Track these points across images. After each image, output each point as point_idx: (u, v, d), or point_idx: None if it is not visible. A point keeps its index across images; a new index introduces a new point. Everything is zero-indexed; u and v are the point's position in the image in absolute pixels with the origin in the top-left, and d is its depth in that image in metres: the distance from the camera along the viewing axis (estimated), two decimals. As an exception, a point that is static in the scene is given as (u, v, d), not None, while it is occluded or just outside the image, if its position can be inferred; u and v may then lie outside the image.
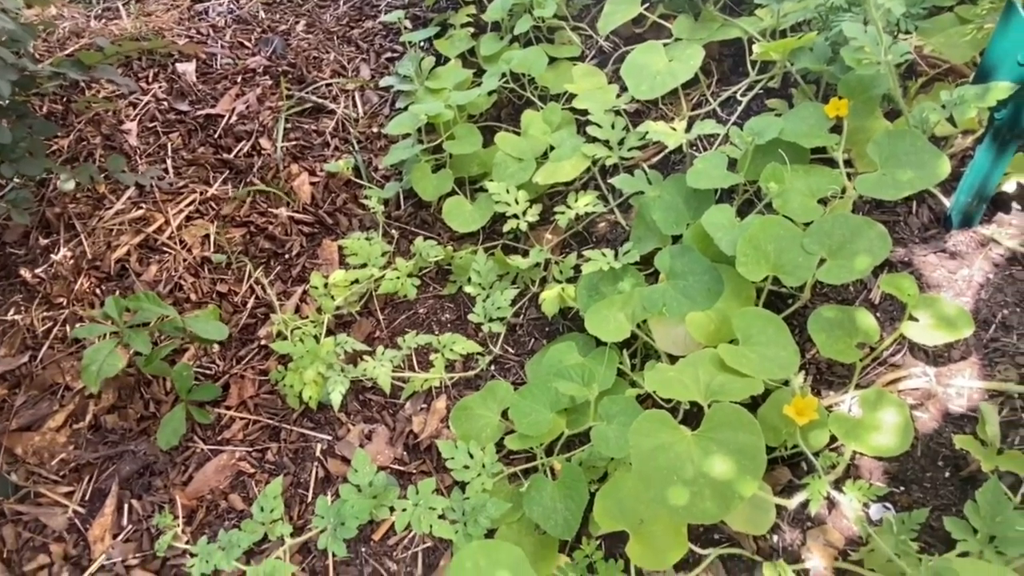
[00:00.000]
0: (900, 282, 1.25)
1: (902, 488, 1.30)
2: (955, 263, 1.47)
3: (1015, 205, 1.53)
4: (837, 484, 1.29)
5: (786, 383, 1.34)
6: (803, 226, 1.40)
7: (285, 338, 1.69)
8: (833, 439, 1.33)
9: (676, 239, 1.59)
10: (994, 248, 1.47)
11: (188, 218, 2.10)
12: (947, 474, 1.29)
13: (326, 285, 1.71)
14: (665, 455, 1.13)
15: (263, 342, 1.83)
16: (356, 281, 1.75)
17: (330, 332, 1.79)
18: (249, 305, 1.92)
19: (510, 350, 1.76)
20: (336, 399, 1.53)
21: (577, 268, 1.78)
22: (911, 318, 1.26)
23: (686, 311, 1.44)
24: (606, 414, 1.34)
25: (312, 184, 2.18)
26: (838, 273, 1.30)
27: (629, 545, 1.28)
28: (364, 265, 1.76)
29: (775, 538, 1.35)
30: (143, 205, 2.12)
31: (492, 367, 1.73)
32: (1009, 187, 1.45)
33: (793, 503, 1.25)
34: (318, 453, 1.64)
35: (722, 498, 1.10)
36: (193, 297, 1.93)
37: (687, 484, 1.11)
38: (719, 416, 1.13)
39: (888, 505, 1.29)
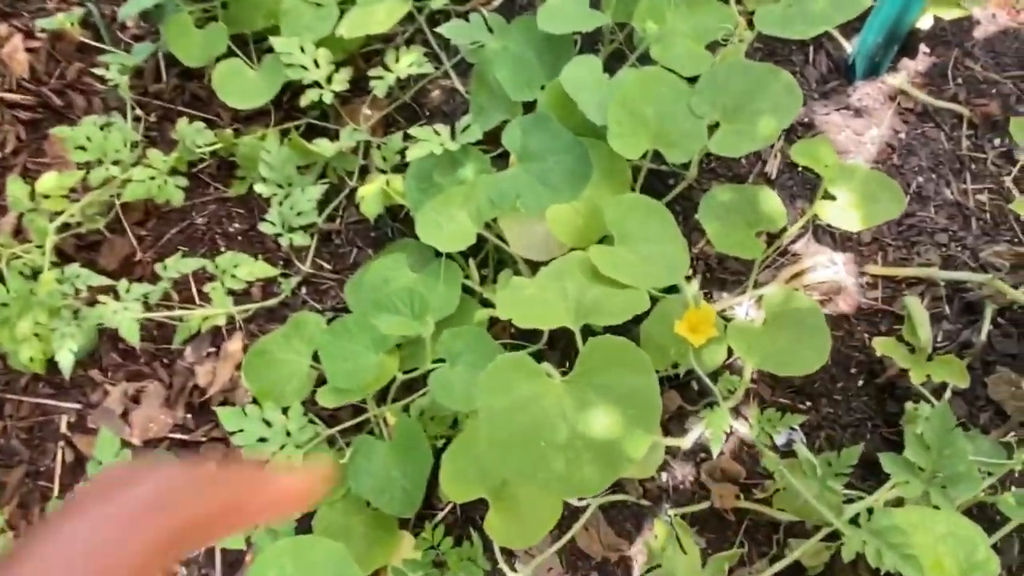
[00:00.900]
0: (816, 149, 0.96)
1: (809, 403, 1.08)
2: (862, 122, 1.21)
3: (923, 48, 1.27)
4: (737, 409, 1.04)
5: (674, 289, 1.05)
6: (688, 82, 1.07)
7: (-8, 274, 1.17)
8: (730, 352, 1.07)
9: (529, 107, 1.21)
10: (903, 101, 1.21)
11: None
12: (860, 383, 1.07)
13: (33, 195, 1.18)
14: (527, 414, 0.80)
15: (-34, 282, 1.29)
16: (86, 183, 1.23)
17: (69, 260, 1.28)
18: (-57, 229, 1.34)
19: (325, 266, 1.35)
20: (66, 360, 1.07)
21: (404, 153, 1.36)
22: (827, 195, 0.98)
23: (546, 203, 1.08)
24: (449, 352, 0.99)
25: (31, 51, 1.55)
26: (737, 142, 0.99)
27: (488, 519, 0.98)
28: (99, 162, 1.24)
29: (664, 476, 1.11)
30: None
31: (303, 290, 1.32)
32: (924, 23, 1.18)
33: (687, 441, 0.99)
34: (63, 429, 1.20)
35: (607, 462, 0.81)
36: None
37: (560, 449, 0.80)
38: (597, 354, 0.82)
39: (795, 427, 1.07)
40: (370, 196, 1.27)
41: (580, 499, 1.07)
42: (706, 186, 1.11)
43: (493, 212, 1.11)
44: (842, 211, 0.96)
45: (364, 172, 1.40)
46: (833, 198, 0.98)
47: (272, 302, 1.28)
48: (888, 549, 0.75)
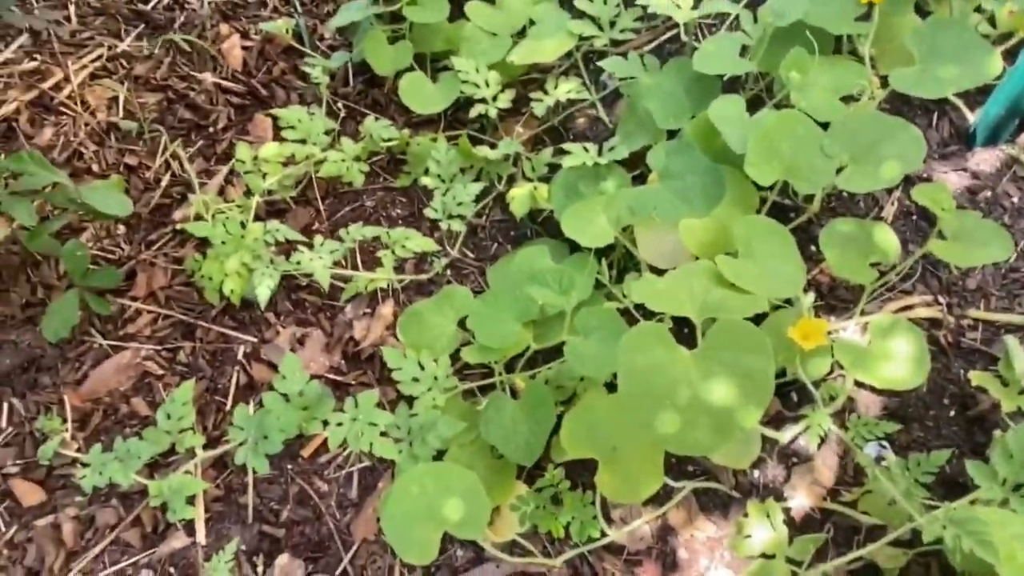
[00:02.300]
0: (936, 192, 1.08)
1: (901, 427, 1.17)
2: (977, 183, 1.32)
3: (1044, 125, 1.37)
4: (834, 419, 1.15)
5: (788, 303, 1.18)
6: (822, 127, 1.21)
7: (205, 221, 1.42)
8: (831, 371, 1.19)
9: (671, 136, 1.39)
10: (1019, 170, 1.32)
11: (93, 76, 1.76)
12: (952, 413, 1.16)
13: (255, 159, 1.44)
14: (659, 375, 0.95)
15: (179, 226, 1.55)
16: (292, 157, 1.48)
17: (259, 219, 1.53)
18: (163, 183, 1.63)
19: (469, 254, 1.54)
20: (263, 295, 1.29)
21: (552, 166, 1.56)
22: (940, 236, 1.10)
23: (679, 216, 1.24)
24: (583, 328, 1.15)
25: (244, 49, 1.86)
26: (861, 180, 1.13)
27: (598, 474, 1.12)
28: (303, 142, 1.49)
29: (756, 474, 1.22)
30: (38, 56, 1.77)
31: (448, 272, 1.52)
32: (1047, 101, 1.29)
33: (785, 436, 1.10)
34: (240, 357, 1.42)
35: (719, 428, 0.94)
36: (95, 168, 1.63)
37: (680, 410, 0.95)
38: (724, 334, 0.96)
39: (885, 444, 1.16)
40: (519, 197, 1.47)
41: (677, 481, 1.20)
42: (825, 223, 1.24)
43: (631, 219, 1.28)
44: (953, 248, 1.08)
45: (511, 180, 1.61)
46: (946, 238, 1.09)
47: (423, 277, 1.48)
48: (966, 535, 0.84)
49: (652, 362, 0.95)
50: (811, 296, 1.12)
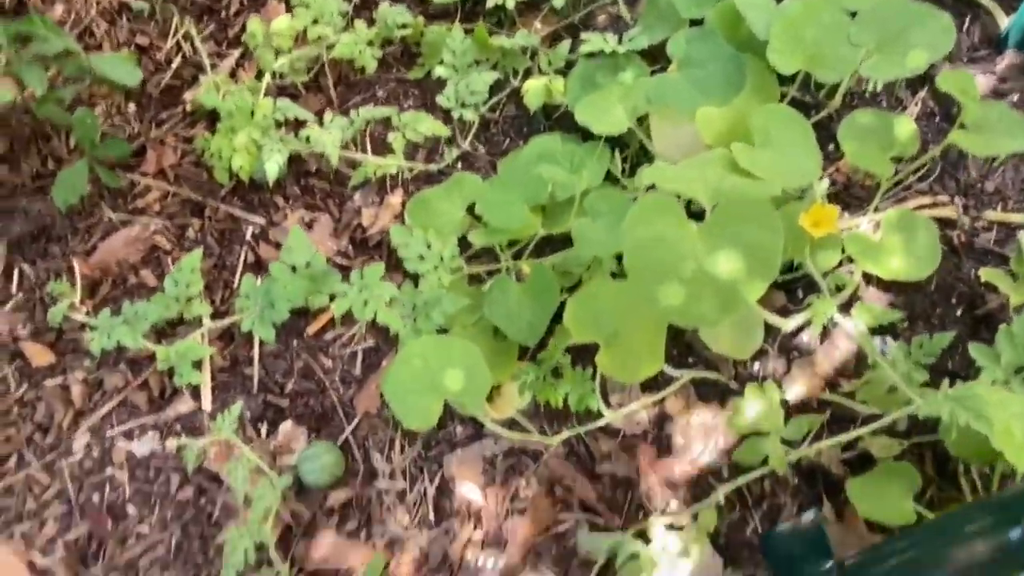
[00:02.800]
0: (962, 80, 1.05)
1: (906, 323, 1.17)
2: (1005, 87, 1.28)
3: (1080, 31, 1.32)
4: (840, 310, 1.15)
5: (801, 197, 1.16)
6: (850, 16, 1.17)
7: (216, 101, 1.40)
8: (838, 265, 1.18)
9: (694, 26, 1.34)
10: (1049, 76, 1.27)
11: (104, -47, 1.72)
12: (959, 312, 1.16)
13: (267, 35, 1.41)
14: (664, 247, 0.95)
15: (189, 107, 1.54)
16: (304, 34, 1.45)
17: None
18: (174, 64, 1.60)
19: (480, 148, 1.52)
20: (272, 170, 1.29)
21: (569, 63, 1.52)
22: (962, 126, 1.08)
23: (697, 106, 1.22)
24: (592, 211, 1.14)
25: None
26: (887, 67, 1.10)
27: (599, 355, 1.13)
28: (315, 22, 1.46)
29: (756, 366, 1.23)
30: (47, -69, 1.72)
31: (459, 165, 1.50)
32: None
33: (789, 324, 1.11)
34: (248, 237, 1.42)
35: (723, 301, 0.94)
36: (106, 46, 1.61)
37: (685, 283, 0.94)
38: (732, 209, 0.95)
39: (888, 340, 1.16)
40: (534, 89, 1.44)
41: (676, 369, 1.21)
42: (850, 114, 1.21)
43: (647, 108, 1.25)
44: (976, 139, 1.05)
45: (527, 75, 1.57)
46: (965, 128, 1.07)
47: (433, 167, 1.47)
48: (963, 410, 0.85)
49: (658, 234, 0.94)
50: (825, 183, 1.10)
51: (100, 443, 1.24)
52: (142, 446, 1.22)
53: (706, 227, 0.95)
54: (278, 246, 1.41)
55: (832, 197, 1.25)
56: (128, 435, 1.24)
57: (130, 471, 1.22)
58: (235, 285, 1.37)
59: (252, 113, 1.32)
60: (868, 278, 1.18)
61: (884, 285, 1.18)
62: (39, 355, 1.29)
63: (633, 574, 1.05)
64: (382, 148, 1.50)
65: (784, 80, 1.25)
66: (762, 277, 0.93)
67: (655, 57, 1.40)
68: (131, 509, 1.19)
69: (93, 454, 1.23)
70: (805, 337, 1.22)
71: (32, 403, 1.27)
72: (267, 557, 1.09)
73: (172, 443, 1.21)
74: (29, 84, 1.29)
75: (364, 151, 1.49)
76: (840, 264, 1.16)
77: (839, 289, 1.11)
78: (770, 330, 1.21)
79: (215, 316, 1.31)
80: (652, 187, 1.29)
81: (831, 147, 1.29)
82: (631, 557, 1.05)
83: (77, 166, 1.34)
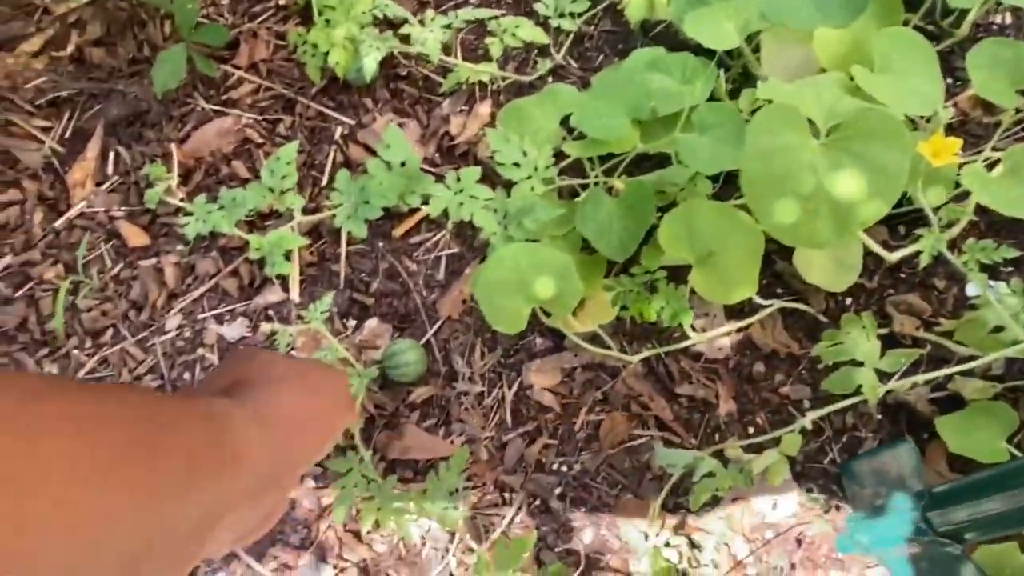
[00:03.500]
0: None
1: (1011, 268, 1.13)
2: None
3: None
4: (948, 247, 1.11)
5: (915, 127, 1.11)
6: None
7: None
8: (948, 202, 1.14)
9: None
10: None
11: None
12: (1073, 259, 1.11)
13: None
14: (784, 160, 0.92)
15: (282, 1, 1.52)
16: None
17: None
18: (268, -42, 1.58)
19: (573, 63, 1.48)
20: (370, 66, 1.28)
21: (672, -25, 1.46)
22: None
23: (814, 26, 1.16)
24: (701, 123, 1.11)
25: None
26: (1031, -7, 1.03)
27: (692, 274, 1.12)
28: (417, -81, 1.42)
29: (848, 300, 1.20)
30: None
31: (550, 78, 1.47)
32: None
33: (893, 256, 1.08)
34: (337, 137, 1.42)
35: (839, 221, 0.92)
36: (201, -65, 1.59)
37: (801, 199, 0.92)
38: (863, 123, 0.91)
39: (995, 283, 1.13)
40: (636, 3, 1.39)
41: (765, 298, 1.19)
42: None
43: (760, 25, 1.20)
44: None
45: (626, -11, 1.52)
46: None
47: (524, 78, 1.44)
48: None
49: (779, 145, 0.92)
50: (949, 112, 1.06)
51: (192, 325, 1.27)
52: (232, 330, 1.26)
53: (831, 142, 0.92)
54: (367, 148, 1.41)
55: (948, 131, 1.20)
56: (219, 319, 1.27)
57: (220, 353, 1.26)
58: (323, 183, 1.38)
59: (351, 7, 1.30)
60: (979, 216, 1.14)
61: (996, 225, 1.13)
62: (135, 236, 1.32)
63: (708, 491, 1.07)
64: (474, 55, 1.48)
65: (908, 5, 1.18)
66: (884, 199, 0.90)
67: (766, -24, 1.34)
68: (220, 389, 1.23)
69: (185, 334, 1.27)
70: (902, 274, 1.19)
71: (127, 281, 1.31)
72: (352, 444, 1.12)
73: (264, 328, 1.24)
74: (131, -36, 1.29)
75: (456, 55, 1.46)
76: (949, 201, 1.12)
77: (950, 224, 1.07)
78: (865, 266, 1.18)
79: (306, 210, 1.32)
80: (758, 108, 1.25)
81: (949, 80, 1.23)
82: (708, 475, 1.06)
83: (176, 51, 1.34)
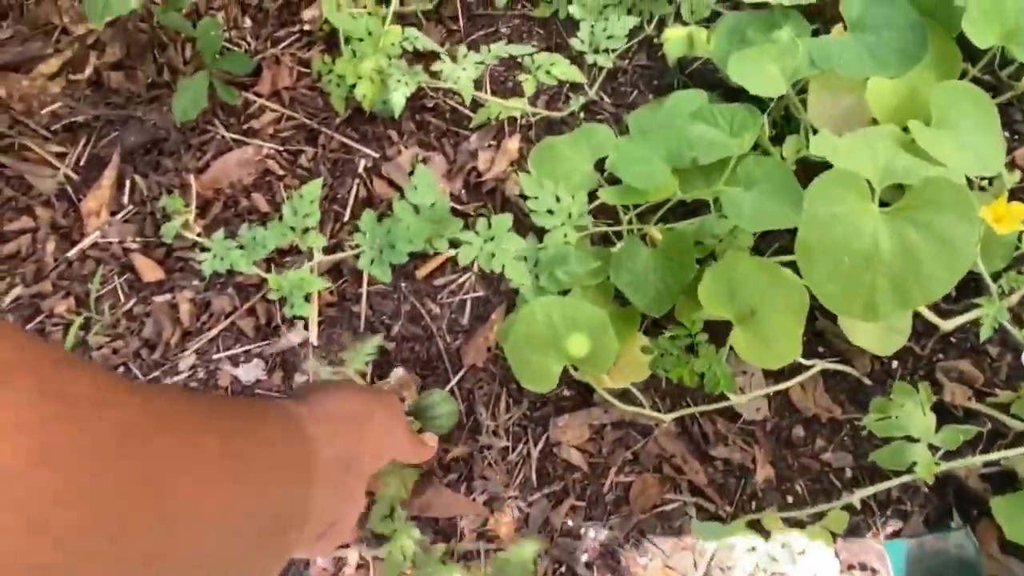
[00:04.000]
0: None
1: (1073, 337, 1.07)
2: None
3: None
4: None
5: (973, 184, 1.06)
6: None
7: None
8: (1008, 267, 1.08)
9: (867, -14, 1.22)
10: None
11: None
12: None
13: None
14: (844, 229, 0.86)
15: (307, 27, 1.48)
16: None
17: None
18: (293, -20, 1.54)
19: (606, 98, 1.43)
20: (399, 101, 1.22)
21: (716, 14, 1.41)
22: None
23: (867, 74, 1.11)
24: (747, 177, 1.05)
25: None
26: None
27: (733, 334, 1.06)
28: (451, -53, 1.37)
29: (895, 364, 1.15)
30: None
31: (582, 114, 1.42)
32: None
33: (948, 325, 1.02)
34: (360, 170, 1.37)
35: (900, 295, 0.86)
36: (224, -45, 1.54)
37: (860, 271, 0.86)
38: (930, 192, 0.86)
39: (1053, 353, 1.07)
40: (675, 39, 1.34)
41: (806, 358, 1.13)
42: (1029, 105, 1.10)
43: (809, 71, 1.14)
44: None
45: (661, 23, 1.47)
46: None
47: (556, 114, 1.39)
48: None
49: (840, 213, 0.86)
50: (1016, 175, 1.00)
51: (206, 365, 1.23)
52: (247, 373, 1.21)
53: (895, 210, 0.86)
54: (391, 182, 1.36)
55: (1010, 192, 1.14)
56: (234, 360, 1.22)
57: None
58: (345, 219, 1.33)
59: (380, 39, 1.25)
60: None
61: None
62: (149, 270, 1.27)
63: (746, 569, 1.01)
64: (503, 87, 1.43)
65: (967, 55, 1.13)
66: (950, 274, 0.84)
67: (811, 16, 1.28)
68: (233, 435, 1.18)
69: (199, 375, 1.22)
70: (953, 338, 1.13)
71: (140, 318, 1.26)
72: (373, 499, 1.07)
73: (277, 374, 1.19)
74: (154, -12, 1.24)
75: (485, 91, 1.41)
76: (1010, 267, 1.06)
77: (1010, 291, 1.01)
78: (914, 328, 1.13)
79: (327, 249, 1.27)
80: (802, 158, 1.20)
81: (1005, 133, 1.18)
82: (749, 550, 1.01)
83: (197, 78, 1.29)
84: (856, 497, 0.97)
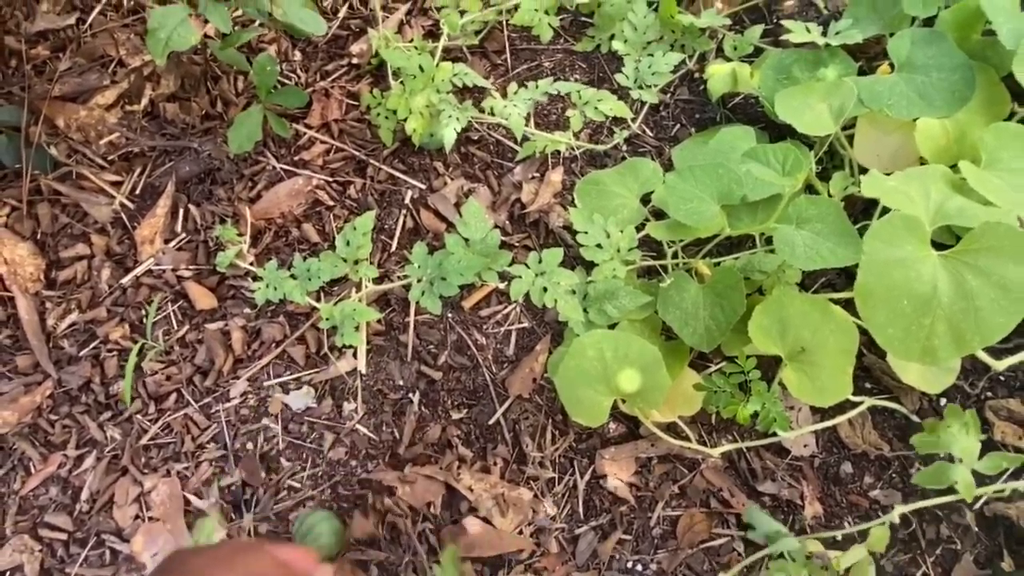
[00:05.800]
0: None
1: (1124, 378, 1.07)
2: None
3: None
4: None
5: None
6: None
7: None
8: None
9: (913, 23, 1.24)
10: None
11: None
12: None
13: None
14: (903, 274, 0.87)
15: (355, 60, 1.51)
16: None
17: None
18: (341, 14, 1.58)
19: (648, 132, 1.45)
20: (450, 136, 1.25)
21: (757, 50, 1.44)
22: None
23: (915, 115, 1.12)
24: (800, 215, 1.07)
25: None
26: None
27: (783, 371, 1.07)
28: (498, -14, 1.41)
29: (943, 402, 1.15)
30: None
31: (624, 147, 1.44)
32: None
33: (1002, 365, 1.02)
34: (407, 201, 1.39)
35: (958, 339, 0.87)
36: (275, -10, 1.58)
37: (919, 315, 0.87)
38: (988, 237, 0.86)
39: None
40: (719, 76, 1.36)
41: (855, 394, 1.13)
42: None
43: (857, 111, 1.16)
44: None
45: (703, 58, 1.49)
46: None
47: (599, 147, 1.41)
48: None
49: (899, 257, 0.87)
50: (1069, 218, 1.00)
51: (256, 392, 1.25)
52: (297, 401, 1.23)
53: (954, 254, 0.87)
54: (437, 213, 1.38)
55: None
56: (284, 388, 1.24)
57: (283, 424, 1.22)
58: (392, 248, 1.36)
59: (432, 75, 1.28)
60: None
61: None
62: (202, 297, 1.30)
63: (783, 573, 1.01)
64: (547, 120, 1.45)
65: (1015, 96, 1.14)
66: (1009, 318, 0.85)
67: (854, 54, 1.30)
68: (284, 461, 1.20)
69: (250, 402, 1.24)
70: (1002, 376, 1.13)
71: (193, 344, 1.28)
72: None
73: (327, 402, 1.21)
74: (214, 23, 1.27)
75: (531, 124, 1.44)
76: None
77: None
78: (964, 366, 1.13)
79: (378, 280, 1.29)
80: (849, 196, 1.21)
81: (1053, 174, 1.18)
82: (781, 556, 1.01)
83: (252, 112, 1.33)
84: (896, 513, 0.96)
